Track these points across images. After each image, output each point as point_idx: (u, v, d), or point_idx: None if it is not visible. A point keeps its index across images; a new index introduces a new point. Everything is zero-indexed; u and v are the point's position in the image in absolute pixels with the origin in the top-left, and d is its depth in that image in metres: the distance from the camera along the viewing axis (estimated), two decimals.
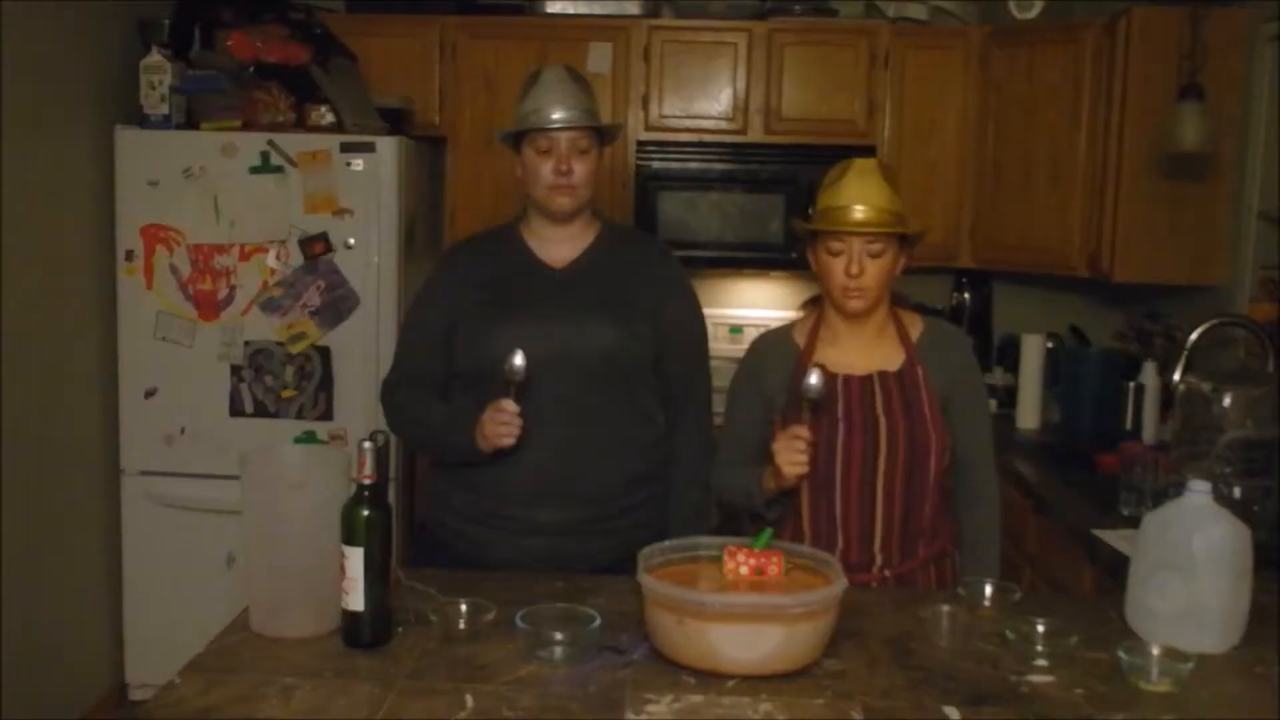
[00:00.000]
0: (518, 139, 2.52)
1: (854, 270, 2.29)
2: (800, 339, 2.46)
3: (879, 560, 2.36)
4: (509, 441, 2.36)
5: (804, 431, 2.22)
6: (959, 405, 2.40)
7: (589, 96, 2.53)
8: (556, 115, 2.46)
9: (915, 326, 2.45)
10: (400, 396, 2.63)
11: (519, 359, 2.32)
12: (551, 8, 4.36)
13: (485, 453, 2.41)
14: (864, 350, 2.40)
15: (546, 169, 2.48)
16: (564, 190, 2.49)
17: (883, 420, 2.33)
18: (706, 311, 2.74)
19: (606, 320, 2.50)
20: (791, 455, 2.22)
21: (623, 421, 2.53)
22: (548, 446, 2.45)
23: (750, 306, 4.63)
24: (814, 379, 2.23)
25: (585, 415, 2.48)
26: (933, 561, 2.41)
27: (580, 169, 2.49)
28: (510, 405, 2.34)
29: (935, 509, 2.39)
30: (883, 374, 2.37)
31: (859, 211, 2.28)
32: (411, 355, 2.64)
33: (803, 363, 2.39)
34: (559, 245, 2.58)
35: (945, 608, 2.02)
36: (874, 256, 2.30)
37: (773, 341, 2.52)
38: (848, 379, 2.37)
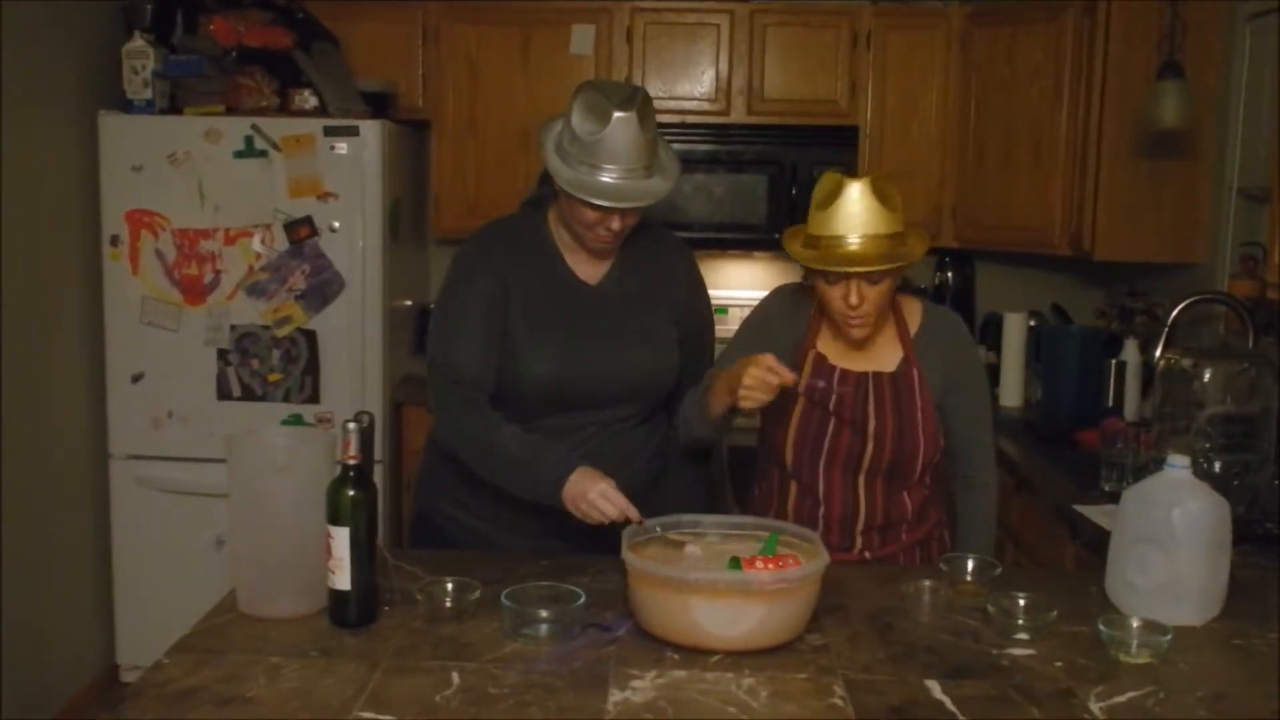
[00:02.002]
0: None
1: (853, 300, 2.19)
2: (811, 313, 2.39)
3: (859, 544, 2.36)
4: (597, 519, 2.18)
5: (780, 369, 2.10)
6: (957, 396, 2.37)
7: (654, 149, 2.29)
8: (619, 188, 2.24)
9: (915, 317, 2.39)
10: (474, 421, 2.36)
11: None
12: None
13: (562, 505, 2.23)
14: (862, 347, 2.34)
15: (592, 218, 2.30)
16: (606, 241, 2.37)
17: (873, 421, 2.30)
18: None
19: (641, 344, 2.45)
20: (759, 389, 2.10)
21: (646, 428, 2.51)
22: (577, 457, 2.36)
23: (735, 287, 4.63)
24: (821, 382, 2.12)
25: (614, 427, 2.44)
26: (917, 545, 2.41)
27: (628, 224, 2.35)
28: (624, 509, 2.15)
29: (919, 499, 2.38)
30: (878, 375, 2.33)
31: (854, 243, 2.14)
32: (472, 362, 2.37)
33: (805, 348, 2.36)
34: (591, 260, 2.46)
35: (927, 583, 2.03)
36: (874, 283, 2.19)
37: (792, 301, 2.43)
38: (844, 373, 2.32)
